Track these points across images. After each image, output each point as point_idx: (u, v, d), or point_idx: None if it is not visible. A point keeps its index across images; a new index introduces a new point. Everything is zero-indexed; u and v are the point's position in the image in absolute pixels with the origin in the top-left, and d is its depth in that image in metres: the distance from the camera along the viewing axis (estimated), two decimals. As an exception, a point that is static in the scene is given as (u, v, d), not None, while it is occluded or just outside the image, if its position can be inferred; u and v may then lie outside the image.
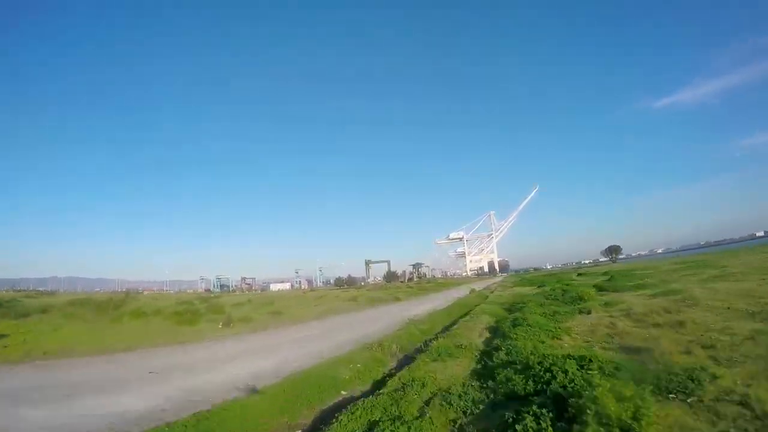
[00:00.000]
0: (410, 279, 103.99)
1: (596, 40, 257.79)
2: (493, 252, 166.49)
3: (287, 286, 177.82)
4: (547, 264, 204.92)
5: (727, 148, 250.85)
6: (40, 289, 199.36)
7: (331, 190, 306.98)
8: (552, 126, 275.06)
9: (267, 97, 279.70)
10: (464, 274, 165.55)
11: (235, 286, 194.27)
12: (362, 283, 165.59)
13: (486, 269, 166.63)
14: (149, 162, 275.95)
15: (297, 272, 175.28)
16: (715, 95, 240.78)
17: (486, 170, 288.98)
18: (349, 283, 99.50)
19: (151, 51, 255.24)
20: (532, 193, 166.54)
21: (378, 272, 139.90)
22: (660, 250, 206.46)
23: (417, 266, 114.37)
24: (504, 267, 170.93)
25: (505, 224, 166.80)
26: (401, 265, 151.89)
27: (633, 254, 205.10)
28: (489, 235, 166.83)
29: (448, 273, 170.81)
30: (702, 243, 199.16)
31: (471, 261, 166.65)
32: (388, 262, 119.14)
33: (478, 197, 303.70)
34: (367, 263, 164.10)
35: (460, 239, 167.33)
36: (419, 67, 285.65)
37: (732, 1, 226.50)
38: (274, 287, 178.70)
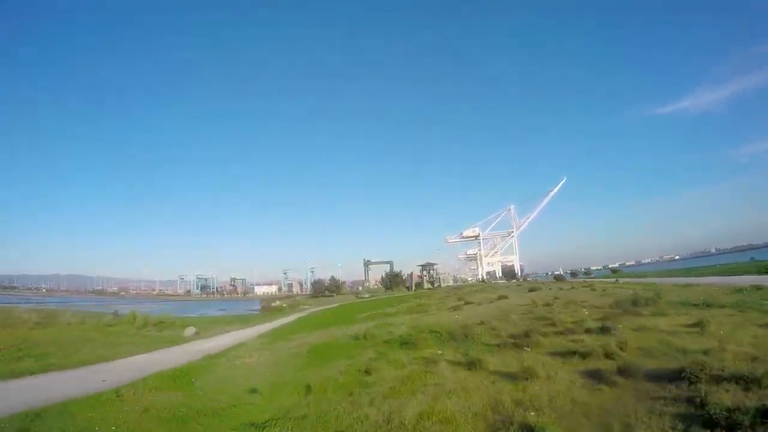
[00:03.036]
0: (418, 284, 75.09)
1: (600, 46, 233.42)
2: (513, 253, 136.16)
3: (273, 288, 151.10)
4: (560, 269, 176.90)
5: (733, 154, 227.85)
6: (43, 286, 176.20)
7: (329, 185, 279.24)
8: (560, 128, 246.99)
9: (265, 94, 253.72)
10: (470, 279, 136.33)
11: (220, 287, 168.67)
12: (359, 288, 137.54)
13: (499, 273, 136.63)
14: (150, 162, 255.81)
15: (285, 273, 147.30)
16: (718, 102, 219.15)
17: (499, 164, 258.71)
18: (332, 288, 70.44)
19: (149, 49, 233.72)
20: (558, 186, 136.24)
21: (380, 274, 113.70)
22: (677, 257, 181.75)
23: (427, 267, 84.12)
24: (513, 273, 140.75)
25: (526, 221, 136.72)
26: (406, 267, 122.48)
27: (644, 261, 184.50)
28: (509, 233, 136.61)
29: (458, 277, 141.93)
30: (714, 250, 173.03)
31: (489, 264, 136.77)
32: (391, 263, 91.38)
33: (495, 191, 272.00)
34: (366, 264, 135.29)
35: (476, 237, 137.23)
36: (422, 66, 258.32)
37: (735, 9, 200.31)
38: (259, 290, 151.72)
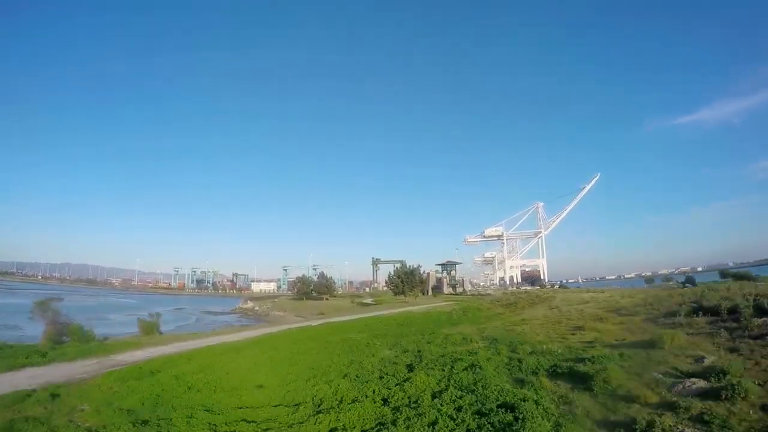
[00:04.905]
0: (436, 288, 57.66)
1: (617, 56, 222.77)
2: (539, 255, 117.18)
3: (272, 286, 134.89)
4: (579, 278, 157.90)
5: (751, 168, 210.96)
6: (54, 274, 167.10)
7: (340, 181, 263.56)
8: (573, 139, 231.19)
9: (274, 93, 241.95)
10: (482, 284, 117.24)
11: (215, 281, 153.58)
12: (366, 289, 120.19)
13: (517, 279, 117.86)
14: (165, 158, 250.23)
15: (285, 270, 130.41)
16: (736, 114, 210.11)
17: (515, 170, 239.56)
18: (321, 288, 52.35)
19: (151, 48, 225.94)
20: (592, 183, 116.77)
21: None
22: (700, 269, 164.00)
23: (448, 268, 65.64)
24: (536, 278, 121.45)
25: (557, 220, 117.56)
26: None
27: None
28: (536, 233, 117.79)
29: (474, 282, 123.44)
30: (731, 264, 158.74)
31: (512, 267, 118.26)
32: (402, 262, 73.60)
33: (511, 196, 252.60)
34: (375, 263, 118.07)
35: (499, 237, 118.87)
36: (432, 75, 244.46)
37: (756, 22, 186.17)
38: (257, 287, 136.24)
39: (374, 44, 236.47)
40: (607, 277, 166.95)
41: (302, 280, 55.13)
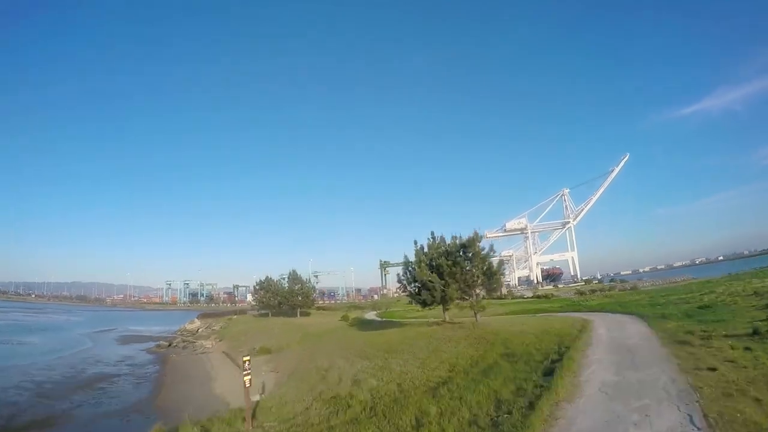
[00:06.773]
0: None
1: (618, 48, 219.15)
2: (570, 249, 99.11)
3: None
4: (598, 273, 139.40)
5: (758, 155, 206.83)
6: (50, 293, 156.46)
7: (342, 185, 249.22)
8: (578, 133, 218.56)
9: (271, 101, 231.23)
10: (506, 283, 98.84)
11: (213, 293, 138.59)
12: (375, 297, 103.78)
13: (537, 278, 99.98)
14: (160, 167, 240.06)
15: (283, 278, 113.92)
16: (739, 102, 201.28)
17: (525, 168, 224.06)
18: (293, 300, 34.32)
19: (148, 53, 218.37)
20: (620, 165, 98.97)
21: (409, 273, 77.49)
22: (721, 257, 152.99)
23: None
24: (556, 276, 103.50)
25: (586, 207, 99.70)
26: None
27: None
28: (564, 224, 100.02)
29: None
30: (746, 252, 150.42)
31: (537, 264, 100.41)
32: (434, 236, 56.24)
33: (521, 188, 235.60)
34: (383, 266, 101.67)
35: (522, 230, 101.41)
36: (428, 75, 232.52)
37: (756, 8, 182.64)
38: (251, 298, 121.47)
39: (375, 46, 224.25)
40: (621, 273, 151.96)
41: (265, 287, 37.61)
